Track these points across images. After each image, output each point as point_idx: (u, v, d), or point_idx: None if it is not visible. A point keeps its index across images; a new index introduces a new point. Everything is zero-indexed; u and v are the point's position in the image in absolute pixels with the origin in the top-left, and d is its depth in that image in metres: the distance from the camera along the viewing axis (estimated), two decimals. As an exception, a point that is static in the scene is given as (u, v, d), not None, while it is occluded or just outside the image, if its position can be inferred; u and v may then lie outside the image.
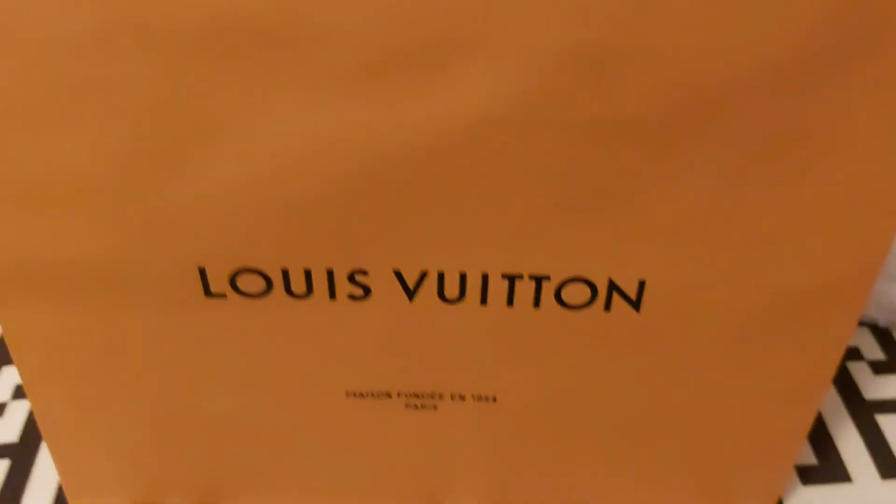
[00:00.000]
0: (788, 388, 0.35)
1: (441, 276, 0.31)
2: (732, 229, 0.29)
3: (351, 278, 0.31)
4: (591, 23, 0.24)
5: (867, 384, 0.48)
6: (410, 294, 0.32)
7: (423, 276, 0.31)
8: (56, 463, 0.39)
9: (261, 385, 0.35)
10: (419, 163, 0.28)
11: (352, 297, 0.32)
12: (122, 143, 0.27)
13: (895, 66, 0.25)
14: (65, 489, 0.40)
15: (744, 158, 0.28)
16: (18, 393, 0.46)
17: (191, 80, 0.26)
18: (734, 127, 0.27)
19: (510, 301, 0.32)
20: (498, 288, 0.31)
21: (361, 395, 0.35)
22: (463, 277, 0.31)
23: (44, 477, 0.42)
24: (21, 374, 0.35)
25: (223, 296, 0.32)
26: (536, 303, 0.32)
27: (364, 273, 0.31)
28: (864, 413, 0.46)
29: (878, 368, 0.49)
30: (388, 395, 0.35)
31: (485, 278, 0.31)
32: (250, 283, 0.31)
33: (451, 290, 0.31)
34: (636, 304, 0.32)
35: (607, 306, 0.32)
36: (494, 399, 0.35)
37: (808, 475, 0.43)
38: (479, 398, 0.35)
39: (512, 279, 0.31)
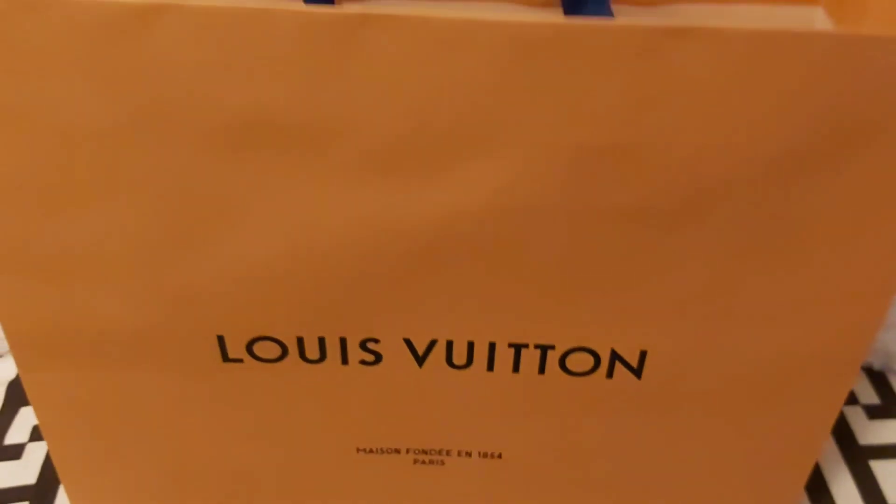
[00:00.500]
0: (785, 446, 0.36)
1: (449, 345, 0.32)
2: (733, 305, 0.31)
3: (363, 345, 0.32)
4: (596, 124, 0.26)
5: (862, 429, 0.49)
6: (420, 360, 0.33)
7: (433, 344, 0.32)
8: (74, 510, 0.40)
9: (274, 441, 0.36)
10: (430, 244, 0.29)
11: (363, 362, 0.33)
12: (148, 223, 0.28)
13: (883, 161, 0.27)
14: (82, 534, 0.41)
15: (744, 242, 0.29)
16: (36, 435, 0.47)
17: (213, 169, 0.27)
18: (735, 214, 0.28)
19: (516, 368, 0.33)
20: (504, 356, 0.33)
21: (371, 450, 0.37)
22: (471, 346, 0.32)
23: (61, 519, 0.44)
24: (41, 426, 0.36)
25: (240, 360, 0.33)
26: (541, 370, 0.33)
27: (375, 341, 0.32)
28: (858, 459, 0.47)
29: (873, 413, 0.50)
30: (397, 451, 0.37)
31: (492, 347, 0.32)
32: (266, 349, 0.33)
33: (459, 357, 0.33)
34: (638, 373, 0.33)
35: (610, 374, 0.33)
36: (500, 456, 0.37)
37: (803, 521, 0.44)
38: (486, 455, 0.37)
39: (518, 348, 0.32)
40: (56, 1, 0.24)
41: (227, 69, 0.25)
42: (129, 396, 0.34)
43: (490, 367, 0.33)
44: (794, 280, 0.30)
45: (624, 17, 0.26)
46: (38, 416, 0.35)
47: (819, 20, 0.37)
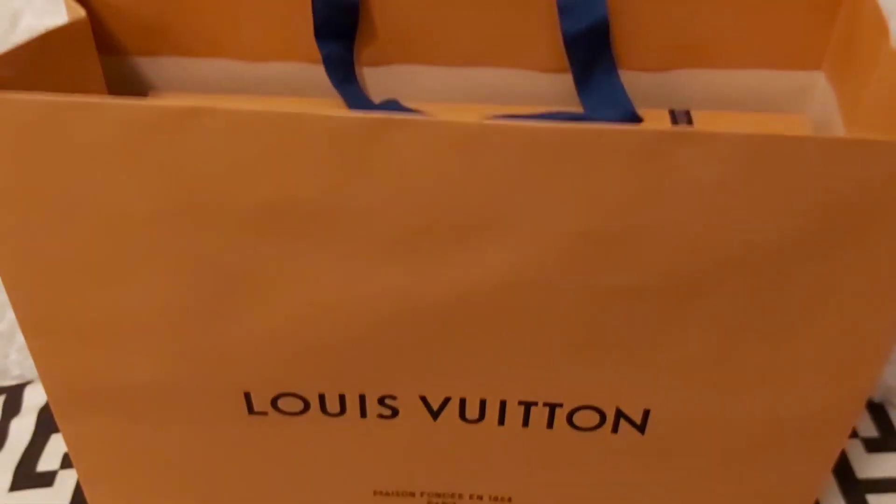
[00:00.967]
0: (783, 494, 0.38)
1: (463, 402, 0.34)
2: (732, 371, 0.32)
3: (381, 401, 0.34)
4: (599, 215, 0.27)
5: (860, 463, 0.50)
6: (434, 415, 0.35)
7: (447, 401, 0.34)
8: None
9: (295, 485, 0.38)
10: (445, 315, 0.31)
11: (381, 416, 0.35)
12: (182, 295, 0.30)
13: (875, 248, 0.28)
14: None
15: (743, 315, 0.30)
16: (67, 462, 0.49)
17: (243, 248, 0.29)
18: (734, 292, 0.30)
19: (525, 423, 0.35)
20: (514, 412, 0.34)
21: (387, 493, 0.39)
22: (483, 403, 0.34)
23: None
24: (77, 470, 0.38)
25: (265, 413, 0.35)
26: (550, 425, 0.35)
27: (393, 398, 0.34)
28: (856, 493, 0.48)
29: (872, 446, 0.51)
30: (412, 495, 0.39)
31: (503, 404, 0.34)
32: (289, 404, 0.34)
33: (472, 412, 0.35)
34: (641, 429, 0.35)
35: (615, 429, 0.35)
36: (510, 500, 0.39)
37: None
38: (496, 499, 0.39)
39: (528, 405, 0.34)
40: (107, 103, 0.26)
41: (258, 165, 0.27)
42: (159, 444, 0.36)
43: (501, 422, 0.35)
44: (792, 349, 0.32)
45: (632, 126, 0.28)
46: (74, 461, 0.37)
47: (820, 86, 0.38)
